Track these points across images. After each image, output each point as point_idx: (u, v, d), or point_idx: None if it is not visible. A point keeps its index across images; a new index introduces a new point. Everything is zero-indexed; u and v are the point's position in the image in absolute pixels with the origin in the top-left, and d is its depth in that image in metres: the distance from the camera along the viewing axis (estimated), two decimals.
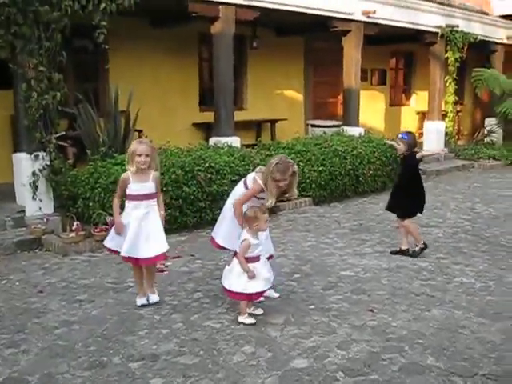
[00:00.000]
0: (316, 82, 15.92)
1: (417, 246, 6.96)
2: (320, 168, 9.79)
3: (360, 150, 10.52)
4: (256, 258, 4.96)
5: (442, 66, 15.86)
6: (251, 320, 4.99)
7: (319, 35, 13.93)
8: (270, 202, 5.10)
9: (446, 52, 15.87)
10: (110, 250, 5.48)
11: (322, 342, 4.61)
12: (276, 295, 5.46)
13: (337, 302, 5.46)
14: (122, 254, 5.23)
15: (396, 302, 5.47)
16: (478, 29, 16.56)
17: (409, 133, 7.04)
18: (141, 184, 5.20)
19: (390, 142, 7.64)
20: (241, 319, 5.00)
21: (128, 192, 5.27)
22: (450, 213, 9.44)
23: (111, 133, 8.86)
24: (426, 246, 6.96)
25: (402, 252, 7.01)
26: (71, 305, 5.43)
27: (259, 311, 5.18)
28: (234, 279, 4.94)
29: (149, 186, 5.24)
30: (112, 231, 5.41)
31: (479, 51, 17.66)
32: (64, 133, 9.42)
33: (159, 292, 5.63)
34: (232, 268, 4.99)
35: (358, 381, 4.01)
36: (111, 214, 7.25)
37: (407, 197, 6.93)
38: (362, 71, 13.56)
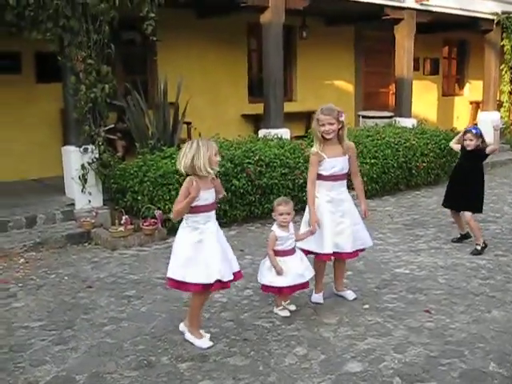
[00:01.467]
0: (367, 72, 15.62)
1: (478, 244, 6.71)
2: (372, 161, 9.55)
3: (413, 142, 10.23)
4: (287, 252, 4.86)
5: (497, 55, 15.37)
6: (286, 313, 4.95)
7: (370, 24, 13.65)
8: (313, 148, 5.00)
9: (502, 40, 15.37)
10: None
11: (377, 344, 4.43)
12: (351, 297, 5.33)
13: (392, 302, 5.27)
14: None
15: (454, 303, 5.24)
16: None
17: (476, 126, 6.88)
18: None
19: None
20: (275, 310, 5.00)
21: None
22: (508, 207, 9.10)
23: (160, 125, 8.80)
24: (486, 245, 6.72)
25: (464, 237, 6.99)
26: (119, 301, 5.37)
27: (292, 307, 5.05)
28: (265, 272, 4.88)
29: None
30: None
31: None
32: (113, 125, 9.43)
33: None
34: (265, 261, 4.93)
35: None
36: (160, 208, 7.22)
37: (480, 192, 6.82)
38: (414, 60, 13.22)
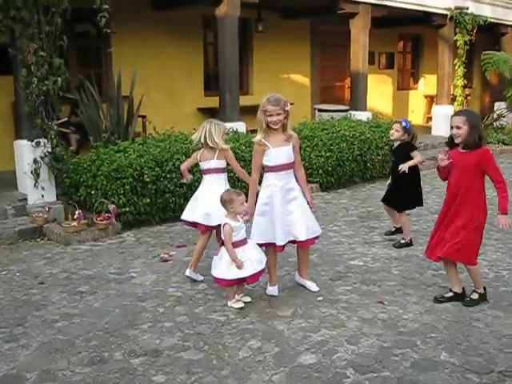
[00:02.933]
0: (323, 66, 15.69)
1: (403, 239, 6.77)
2: (327, 154, 9.60)
3: (368, 135, 10.32)
4: (243, 241, 4.89)
5: (450, 49, 15.62)
6: (240, 304, 4.97)
7: (326, 18, 13.72)
8: (257, 137, 5.04)
9: (455, 35, 15.63)
10: None
11: (330, 335, 4.46)
12: (315, 289, 5.35)
13: (346, 294, 5.30)
14: None
15: (407, 294, 5.30)
16: (487, 11, 16.29)
17: (406, 120, 6.81)
18: None
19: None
20: (229, 303, 4.99)
21: None
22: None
23: (114, 119, 8.69)
24: (411, 243, 6.73)
25: (397, 231, 6.96)
26: (72, 297, 5.29)
27: (247, 298, 5.08)
28: (225, 267, 4.85)
29: None
30: None
31: (489, 34, 17.41)
32: (66, 119, 9.28)
33: (163, 283, 5.51)
34: (221, 256, 4.91)
35: (369, 378, 3.86)
36: (114, 202, 7.14)
37: (409, 189, 6.72)
38: (369, 54, 13.33)
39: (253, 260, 4.87)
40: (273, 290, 5.27)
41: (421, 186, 6.84)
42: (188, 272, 5.64)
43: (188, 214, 5.73)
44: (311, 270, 5.82)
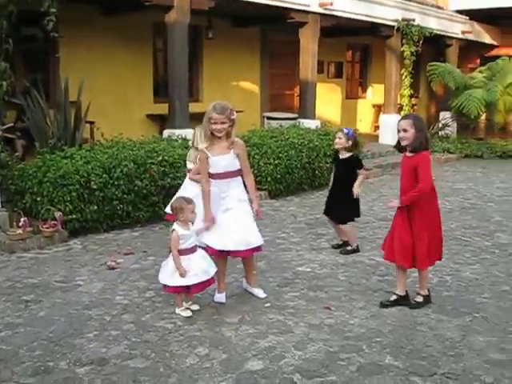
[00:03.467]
0: (272, 74, 15.80)
1: (350, 246, 6.84)
2: (276, 161, 9.66)
3: (316, 143, 10.42)
4: (190, 250, 4.88)
5: (397, 60, 15.95)
6: (188, 313, 4.96)
7: (276, 27, 13.84)
8: (201, 146, 5.09)
9: (402, 45, 15.99)
10: None
11: (278, 341, 4.48)
12: (262, 296, 5.36)
13: (293, 300, 5.34)
14: None
15: (353, 299, 5.38)
16: (433, 23, 16.71)
17: (350, 129, 6.84)
18: None
19: None
20: (177, 311, 4.98)
21: None
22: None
23: (61, 124, 8.59)
24: (357, 250, 6.82)
25: (345, 243, 6.93)
26: (16, 306, 5.17)
27: (195, 307, 5.06)
28: (170, 274, 4.85)
29: None
30: None
31: (435, 45, 17.87)
32: (12, 124, 9.12)
33: (110, 291, 5.46)
34: (167, 262, 4.91)
35: (315, 382, 3.90)
36: (60, 210, 7.04)
37: (350, 202, 6.70)
38: (318, 63, 13.51)
39: (198, 270, 4.85)
40: (220, 297, 5.26)
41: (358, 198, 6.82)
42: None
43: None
44: (259, 277, 5.85)
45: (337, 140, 6.72)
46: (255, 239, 5.19)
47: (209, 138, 5.00)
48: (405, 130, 4.88)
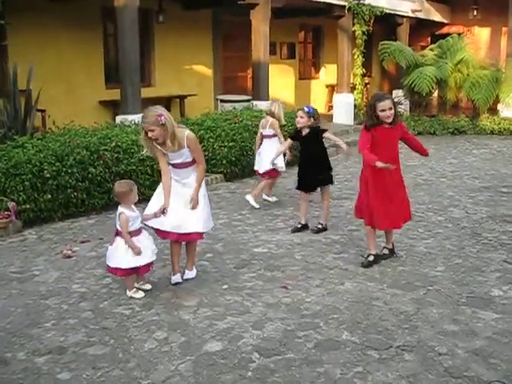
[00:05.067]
0: (225, 57, 15.75)
1: (320, 224, 6.95)
2: (230, 144, 9.66)
3: None
4: (138, 231, 4.96)
5: (349, 40, 16.05)
6: (140, 294, 5.03)
7: (227, 8, 13.80)
8: (144, 152, 5.23)
9: (354, 25, 16.06)
10: None
11: (236, 322, 4.53)
12: (189, 276, 5.41)
13: (250, 281, 5.39)
14: None
15: (310, 277, 5.45)
16: (384, 2, 16.85)
17: (309, 106, 7.03)
18: None
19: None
20: (129, 293, 5.03)
21: None
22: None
23: (11, 114, 8.42)
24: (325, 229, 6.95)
25: (304, 227, 7.01)
26: None
27: (147, 286, 5.14)
28: (121, 257, 4.89)
29: None
30: None
31: (385, 24, 18.00)
32: None
33: (66, 279, 5.43)
34: (116, 246, 4.93)
35: (274, 360, 3.95)
36: (13, 200, 6.94)
37: (329, 163, 6.99)
38: (270, 45, 13.49)
39: (147, 250, 4.95)
40: (176, 278, 5.32)
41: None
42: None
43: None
44: (216, 259, 5.95)
45: (298, 119, 6.80)
46: (195, 227, 5.20)
47: (151, 145, 5.08)
48: (390, 108, 5.46)
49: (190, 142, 5.05)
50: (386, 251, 5.98)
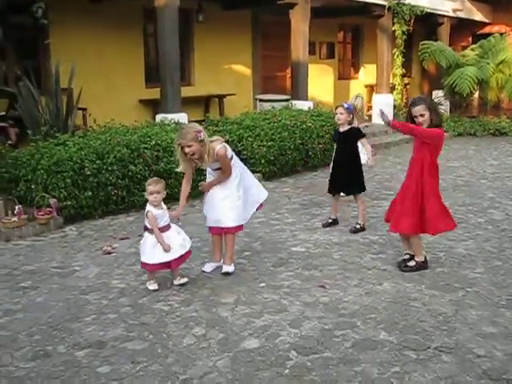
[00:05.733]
0: (264, 56, 15.76)
1: (358, 224, 6.93)
2: (269, 143, 9.68)
3: (309, 124, 10.44)
4: (165, 228, 5.10)
5: (389, 39, 15.91)
6: (155, 286, 5.18)
7: (266, 8, 13.80)
8: (179, 168, 5.37)
9: (394, 25, 15.94)
10: None
11: (273, 320, 4.54)
12: (227, 270, 5.52)
13: (288, 279, 5.40)
14: None
15: (347, 277, 5.43)
16: (424, 1, 16.66)
17: (348, 103, 7.08)
18: None
19: None
20: (147, 284, 5.22)
21: None
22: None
23: (53, 112, 8.57)
24: (363, 228, 6.92)
25: (334, 222, 7.11)
26: (14, 292, 5.21)
27: (183, 280, 5.26)
28: (149, 251, 5.06)
29: None
30: None
31: (426, 24, 17.80)
32: (4, 113, 9.10)
33: (106, 275, 5.52)
34: (145, 241, 5.11)
35: (311, 359, 3.95)
36: (55, 196, 7.07)
37: (359, 173, 6.91)
38: (309, 44, 13.47)
39: (175, 245, 5.08)
40: (207, 266, 5.65)
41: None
42: None
43: None
44: (255, 257, 5.99)
45: (338, 116, 6.81)
46: (226, 221, 5.46)
47: (187, 161, 5.31)
48: (422, 115, 5.21)
49: (220, 158, 5.27)
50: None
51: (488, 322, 4.47)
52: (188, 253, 5.24)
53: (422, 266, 5.56)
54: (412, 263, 5.58)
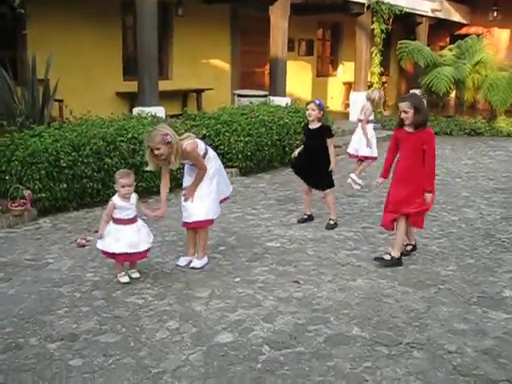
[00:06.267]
0: (243, 52, 15.76)
1: (331, 219, 6.96)
2: (246, 138, 9.67)
3: (286, 120, 10.46)
4: (125, 221, 5.09)
5: (368, 38, 16.01)
6: (125, 279, 5.18)
7: (246, 3, 13.77)
8: (148, 167, 5.43)
9: (373, 23, 16.02)
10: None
11: (247, 315, 4.55)
12: (135, 276, 5.44)
13: (262, 274, 5.41)
14: None
15: (322, 273, 5.46)
16: (403, 1, 16.77)
17: (319, 99, 7.07)
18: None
19: None
20: (118, 277, 5.23)
21: None
22: (376, 183, 9.48)
23: (29, 102, 8.48)
24: (336, 224, 6.96)
25: (309, 218, 7.18)
26: None
27: (136, 275, 5.27)
28: (104, 240, 5.14)
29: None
30: None
31: (405, 23, 17.93)
32: None
33: (80, 268, 5.49)
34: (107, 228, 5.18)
35: (283, 353, 3.97)
36: (29, 188, 7.00)
37: (327, 169, 6.85)
38: (289, 41, 13.47)
39: (126, 241, 5.04)
40: (181, 260, 5.68)
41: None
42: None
43: None
44: (229, 252, 5.98)
45: (310, 112, 6.78)
46: (195, 216, 5.47)
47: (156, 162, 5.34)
48: (405, 112, 5.40)
49: (188, 155, 5.32)
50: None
51: (459, 319, 4.53)
52: (139, 254, 5.17)
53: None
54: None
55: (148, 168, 5.44)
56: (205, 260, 5.60)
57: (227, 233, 6.63)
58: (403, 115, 5.42)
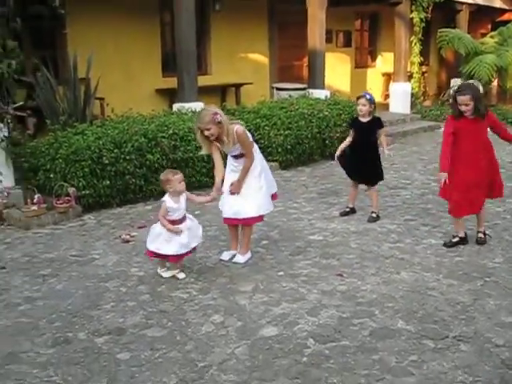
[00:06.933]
0: (281, 45, 15.69)
1: (374, 212, 6.92)
2: (286, 132, 9.66)
3: (326, 113, 10.40)
4: (175, 222, 5.10)
5: (407, 27, 15.77)
6: (168, 274, 5.24)
7: None
8: (202, 152, 5.49)
9: (411, 12, 15.80)
10: None
11: (291, 308, 4.56)
12: (239, 260, 5.53)
13: (306, 268, 5.41)
14: None
15: (365, 266, 5.44)
16: None
17: (369, 92, 7.05)
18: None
19: None
20: (159, 271, 5.30)
21: None
22: (418, 174, 9.42)
23: (71, 101, 8.61)
24: (378, 217, 6.93)
25: (352, 211, 7.13)
26: (35, 280, 5.28)
27: (181, 275, 5.24)
28: (152, 238, 5.14)
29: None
30: None
31: (444, 11, 17.61)
32: (22, 103, 9.13)
33: (125, 263, 5.56)
34: (154, 227, 5.20)
35: (328, 347, 3.97)
36: (73, 185, 7.12)
37: (379, 163, 6.86)
38: (326, 33, 13.36)
39: (178, 242, 5.06)
40: (224, 255, 5.69)
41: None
42: None
43: None
44: (272, 246, 5.99)
45: (361, 107, 6.74)
46: (244, 213, 5.45)
47: (208, 143, 5.33)
48: (466, 105, 5.51)
49: (239, 138, 5.28)
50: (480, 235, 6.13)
51: (507, 312, 4.46)
52: (189, 252, 5.25)
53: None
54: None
55: (202, 152, 5.49)
56: (248, 255, 5.62)
57: (270, 227, 6.64)
58: (464, 108, 5.52)
